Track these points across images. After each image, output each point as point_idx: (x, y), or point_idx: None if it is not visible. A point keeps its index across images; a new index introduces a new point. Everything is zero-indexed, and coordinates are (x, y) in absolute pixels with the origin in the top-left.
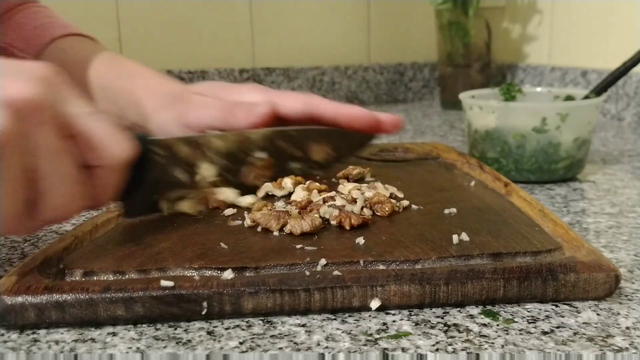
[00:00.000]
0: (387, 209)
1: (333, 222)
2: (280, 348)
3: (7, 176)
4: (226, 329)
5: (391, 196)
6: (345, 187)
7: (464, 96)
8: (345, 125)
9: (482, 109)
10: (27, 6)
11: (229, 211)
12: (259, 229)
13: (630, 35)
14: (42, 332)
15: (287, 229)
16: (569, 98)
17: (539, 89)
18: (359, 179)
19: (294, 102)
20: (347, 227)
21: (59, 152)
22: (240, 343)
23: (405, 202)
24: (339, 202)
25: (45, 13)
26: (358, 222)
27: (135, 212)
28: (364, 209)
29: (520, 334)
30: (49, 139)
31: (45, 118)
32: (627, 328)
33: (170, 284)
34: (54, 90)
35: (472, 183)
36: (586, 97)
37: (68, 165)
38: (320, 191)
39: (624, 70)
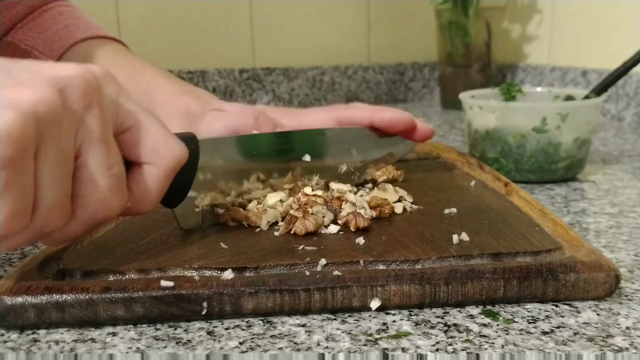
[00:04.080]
0: (386, 212)
1: (339, 222)
2: (280, 348)
3: (54, 154)
4: (226, 329)
5: (400, 199)
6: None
7: (464, 96)
8: (382, 128)
9: (482, 109)
10: (54, 5)
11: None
12: (257, 230)
13: (630, 35)
14: (42, 332)
15: (283, 229)
16: (569, 98)
17: (539, 89)
18: (391, 181)
19: (329, 120)
20: (352, 229)
21: (106, 140)
22: (240, 343)
23: (408, 204)
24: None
25: (71, 14)
26: (365, 224)
27: (188, 222)
28: (367, 210)
29: (520, 334)
30: (96, 123)
31: (94, 100)
32: (627, 328)
33: (170, 284)
34: (107, 79)
35: (472, 183)
36: (586, 97)
37: (114, 155)
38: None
39: (624, 70)
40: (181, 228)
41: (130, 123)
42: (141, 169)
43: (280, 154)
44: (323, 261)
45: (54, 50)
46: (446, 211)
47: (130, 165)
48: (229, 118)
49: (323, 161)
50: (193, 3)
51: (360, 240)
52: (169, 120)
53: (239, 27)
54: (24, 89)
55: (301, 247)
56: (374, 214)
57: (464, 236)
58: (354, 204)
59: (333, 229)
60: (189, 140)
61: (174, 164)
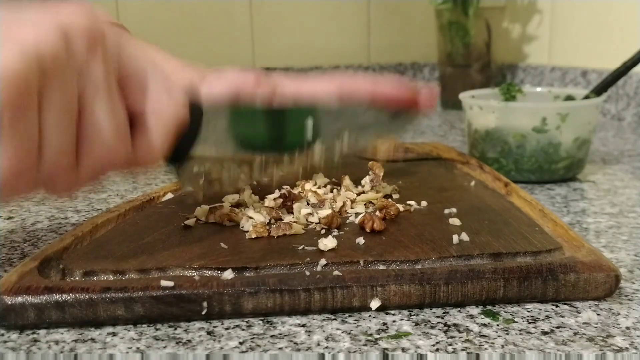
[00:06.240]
0: (392, 213)
1: (355, 221)
2: (280, 348)
3: (58, 99)
4: (226, 329)
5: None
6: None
7: (464, 96)
8: (383, 105)
9: (482, 109)
10: None
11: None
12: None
13: (630, 35)
14: (42, 332)
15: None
16: (569, 98)
17: (539, 89)
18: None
19: (331, 88)
20: (368, 230)
21: (110, 86)
22: (240, 343)
23: (414, 203)
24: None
25: None
26: (380, 227)
27: (190, 185)
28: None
29: (520, 334)
30: (100, 68)
31: (98, 45)
32: (627, 328)
33: (170, 284)
34: (108, 24)
35: (472, 183)
36: (586, 97)
37: (117, 101)
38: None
39: (624, 70)
40: (183, 189)
41: (132, 70)
42: (144, 119)
43: (281, 124)
44: (323, 261)
45: None
46: (446, 211)
47: (132, 116)
48: (229, 79)
49: (323, 139)
50: (193, 3)
51: (360, 240)
52: (173, 92)
53: (239, 27)
54: (26, 29)
55: (301, 247)
56: (380, 215)
57: (464, 236)
58: (367, 205)
59: (330, 241)
60: (193, 95)
61: (177, 114)
